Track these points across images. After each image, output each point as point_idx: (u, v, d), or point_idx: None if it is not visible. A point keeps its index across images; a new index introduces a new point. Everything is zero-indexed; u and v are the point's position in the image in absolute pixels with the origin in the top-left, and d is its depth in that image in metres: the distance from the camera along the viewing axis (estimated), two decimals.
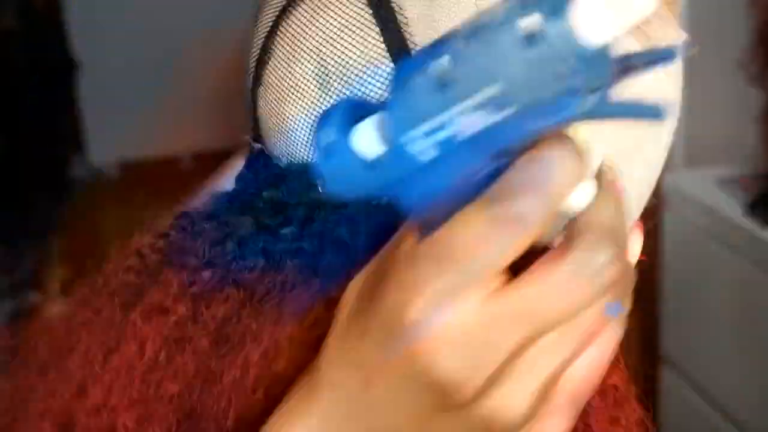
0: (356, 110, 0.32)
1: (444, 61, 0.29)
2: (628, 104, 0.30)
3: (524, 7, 0.28)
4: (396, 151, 0.30)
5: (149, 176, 2.86)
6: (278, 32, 0.44)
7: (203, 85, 2.79)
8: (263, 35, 0.45)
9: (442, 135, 0.29)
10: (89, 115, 2.92)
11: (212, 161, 0.54)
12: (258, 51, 0.45)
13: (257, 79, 0.44)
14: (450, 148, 0.29)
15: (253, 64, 0.45)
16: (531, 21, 0.27)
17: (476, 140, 0.29)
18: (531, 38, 0.27)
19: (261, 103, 0.45)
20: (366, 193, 0.31)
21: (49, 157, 2.72)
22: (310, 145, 0.42)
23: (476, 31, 0.29)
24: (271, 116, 0.44)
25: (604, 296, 0.29)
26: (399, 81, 0.30)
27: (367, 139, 0.31)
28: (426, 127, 0.29)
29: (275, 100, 0.44)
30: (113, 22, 2.85)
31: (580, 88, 0.28)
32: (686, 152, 1.64)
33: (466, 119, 0.29)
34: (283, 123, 0.44)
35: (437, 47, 0.29)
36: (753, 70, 1.52)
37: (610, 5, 0.27)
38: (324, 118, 0.31)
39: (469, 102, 0.28)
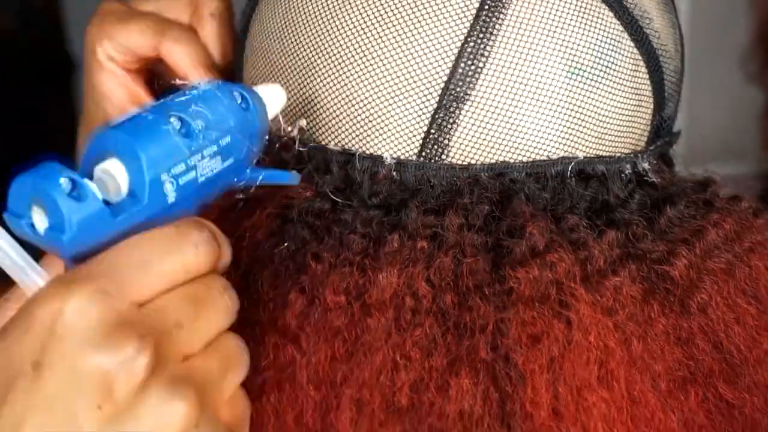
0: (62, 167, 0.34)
1: (183, 116, 0.34)
2: (274, 172, 0.39)
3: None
4: (153, 191, 0.33)
5: None
6: (491, 38, 0.41)
7: None
8: (452, 47, 0.41)
9: (187, 177, 0.34)
10: None
11: None
12: (453, 65, 0.41)
13: (459, 98, 0.42)
14: (191, 189, 0.34)
15: (443, 85, 0.42)
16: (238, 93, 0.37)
17: (209, 183, 0.35)
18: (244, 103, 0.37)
19: (467, 120, 0.42)
20: (108, 239, 0.33)
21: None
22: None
23: (205, 96, 0.36)
24: (493, 126, 0.42)
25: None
26: (142, 128, 0.33)
27: (111, 185, 0.33)
28: (177, 169, 0.34)
29: (501, 108, 0.41)
30: None
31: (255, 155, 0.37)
32: (686, 152, 1.64)
33: (206, 164, 0.35)
34: (517, 129, 0.42)
35: (168, 105, 0.35)
36: (753, 69, 1.52)
37: (266, 96, 0.38)
38: (54, 173, 0.34)
39: (210, 150, 0.35)
